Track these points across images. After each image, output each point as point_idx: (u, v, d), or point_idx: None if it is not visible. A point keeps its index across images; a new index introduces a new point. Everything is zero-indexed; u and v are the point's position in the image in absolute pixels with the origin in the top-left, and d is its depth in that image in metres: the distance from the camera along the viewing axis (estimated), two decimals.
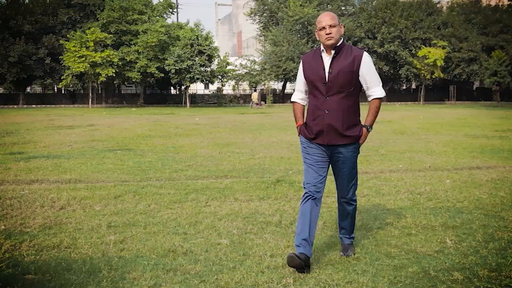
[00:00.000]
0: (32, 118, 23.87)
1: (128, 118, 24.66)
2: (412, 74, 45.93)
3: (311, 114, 3.93)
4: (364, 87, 3.90)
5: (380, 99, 3.90)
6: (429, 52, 42.22)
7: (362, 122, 3.95)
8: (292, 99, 4.17)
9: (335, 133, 3.82)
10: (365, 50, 3.86)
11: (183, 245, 4.25)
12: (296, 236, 3.82)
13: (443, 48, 43.24)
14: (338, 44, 3.81)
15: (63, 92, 48.39)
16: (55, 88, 50.31)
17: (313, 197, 3.85)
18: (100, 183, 7.07)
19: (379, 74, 43.98)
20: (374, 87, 3.89)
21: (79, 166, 8.69)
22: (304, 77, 3.97)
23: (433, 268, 3.67)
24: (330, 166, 4.02)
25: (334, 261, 3.91)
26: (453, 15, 46.23)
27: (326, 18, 3.80)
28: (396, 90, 54.60)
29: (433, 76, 44.28)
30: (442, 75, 44.03)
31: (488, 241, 4.27)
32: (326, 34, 3.76)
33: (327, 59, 3.84)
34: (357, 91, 3.90)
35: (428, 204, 5.68)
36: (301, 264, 3.58)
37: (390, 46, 44.82)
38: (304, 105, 4.12)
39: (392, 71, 47.31)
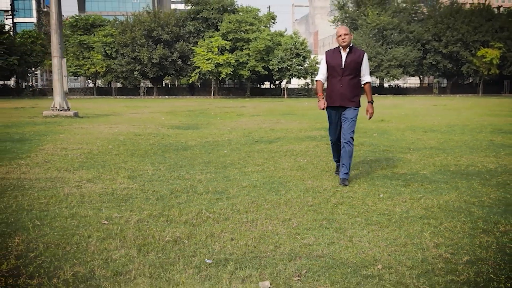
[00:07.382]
0: (196, 104, 34.87)
1: (253, 103, 34.89)
2: (472, 70, 53.83)
3: (331, 87, 6.01)
4: (361, 73, 5.98)
5: (369, 82, 6.06)
6: (487, 52, 50.22)
7: (358, 107, 6.14)
8: (316, 79, 6.20)
9: (345, 98, 5.92)
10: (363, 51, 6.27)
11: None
12: (336, 163, 6.55)
13: (499, 49, 50.92)
14: (350, 46, 5.88)
15: (180, 86, 60.32)
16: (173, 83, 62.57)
17: (335, 143, 6.38)
18: (319, 120, 17.32)
19: (444, 71, 53.81)
20: (366, 75, 6.02)
21: (293, 116, 19.01)
22: (327, 64, 6.00)
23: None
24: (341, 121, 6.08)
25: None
26: (510, 21, 53.18)
27: (342, 29, 5.88)
28: (460, 84, 61.98)
29: (490, 73, 52.12)
30: (497, 72, 51.87)
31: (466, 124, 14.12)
32: (342, 39, 5.82)
33: (343, 54, 5.88)
34: (359, 75, 5.97)
35: (446, 124, 15.42)
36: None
37: (453, 47, 52.82)
38: (324, 83, 6.13)
39: (454, 68, 55.20)
